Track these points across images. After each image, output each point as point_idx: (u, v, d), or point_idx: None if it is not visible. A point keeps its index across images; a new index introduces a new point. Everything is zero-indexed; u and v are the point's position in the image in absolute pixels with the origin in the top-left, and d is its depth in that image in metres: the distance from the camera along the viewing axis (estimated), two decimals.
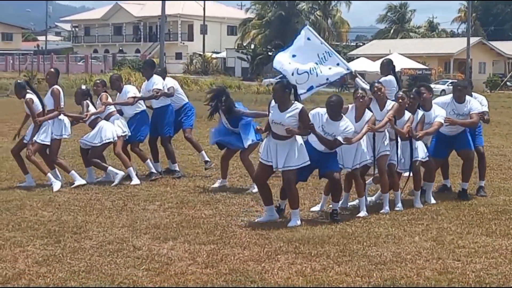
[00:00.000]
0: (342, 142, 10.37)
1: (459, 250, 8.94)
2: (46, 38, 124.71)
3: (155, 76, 14.15)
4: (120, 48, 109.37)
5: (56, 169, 13.29)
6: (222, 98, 12.64)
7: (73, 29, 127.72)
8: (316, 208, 11.14)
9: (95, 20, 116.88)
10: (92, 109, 13.54)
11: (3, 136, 21.20)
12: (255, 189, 11.62)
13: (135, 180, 13.31)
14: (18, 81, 13.73)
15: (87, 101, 13.62)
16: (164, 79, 14.27)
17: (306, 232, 9.70)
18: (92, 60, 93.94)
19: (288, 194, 10.40)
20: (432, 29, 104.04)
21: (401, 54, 67.20)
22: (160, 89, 13.91)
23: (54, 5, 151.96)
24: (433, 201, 11.82)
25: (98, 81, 14.24)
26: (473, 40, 72.72)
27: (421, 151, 11.58)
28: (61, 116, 13.00)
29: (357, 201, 11.23)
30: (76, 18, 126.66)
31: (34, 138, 12.77)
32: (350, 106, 11.05)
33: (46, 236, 9.42)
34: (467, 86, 12.50)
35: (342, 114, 10.57)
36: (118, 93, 14.02)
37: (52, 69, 13.63)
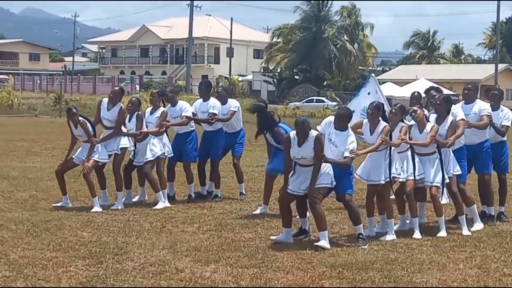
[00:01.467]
0: (351, 156, 10.32)
1: (505, 278, 8.82)
2: (73, 59, 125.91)
3: (212, 98, 14.06)
4: (147, 70, 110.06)
5: (107, 192, 13.34)
6: (259, 114, 12.52)
7: (100, 50, 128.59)
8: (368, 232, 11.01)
9: (122, 42, 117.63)
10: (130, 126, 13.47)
11: (36, 155, 21.29)
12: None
13: (163, 204, 13.26)
14: (70, 106, 13.80)
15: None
16: (226, 100, 14.19)
17: (348, 257, 9.61)
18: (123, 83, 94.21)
19: (314, 215, 10.33)
20: (457, 55, 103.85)
21: (428, 80, 66.97)
22: (215, 114, 13.81)
23: (81, 26, 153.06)
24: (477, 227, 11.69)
25: (154, 91, 14.16)
26: (501, 66, 72.55)
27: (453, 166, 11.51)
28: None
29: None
30: (103, 40, 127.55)
31: (92, 157, 12.83)
32: (365, 120, 11.15)
33: (88, 256, 9.39)
34: (477, 87, 12.55)
35: (348, 127, 10.59)
36: (171, 107, 13.93)
37: (117, 88, 13.68)
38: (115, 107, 13.22)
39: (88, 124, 12.93)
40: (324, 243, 10.10)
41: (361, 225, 10.62)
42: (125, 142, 13.23)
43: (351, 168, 10.62)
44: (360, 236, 10.49)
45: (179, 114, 13.73)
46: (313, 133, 10.24)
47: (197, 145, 14.10)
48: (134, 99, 13.73)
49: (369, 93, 14.06)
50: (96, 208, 12.65)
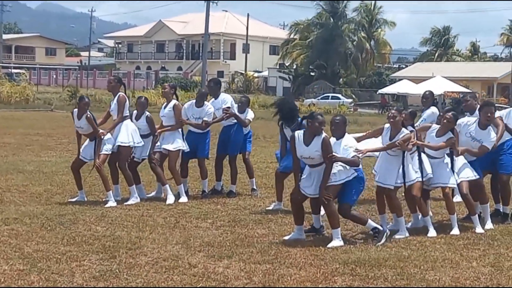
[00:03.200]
0: (359, 156, 10.31)
1: None
2: (89, 54, 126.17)
3: (222, 94, 14.16)
4: (163, 66, 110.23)
5: (119, 187, 13.38)
6: (283, 110, 12.48)
7: (116, 45, 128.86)
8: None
9: (138, 37, 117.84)
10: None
11: (51, 150, 21.40)
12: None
13: (184, 198, 13.34)
14: (84, 96, 13.87)
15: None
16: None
17: (361, 254, 9.60)
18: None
19: (327, 213, 10.33)
20: (475, 53, 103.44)
21: (444, 77, 66.80)
22: (229, 107, 13.90)
23: (97, 21, 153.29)
24: (488, 226, 11.65)
25: (166, 84, 14.22)
26: None
27: (466, 171, 11.46)
28: (129, 125, 13.15)
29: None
30: (119, 35, 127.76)
31: (101, 152, 12.87)
32: (386, 125, 11.04)
33: (101, 251, 9.43)
34: (475, 97, 12.66)
35: (345, 133, 10.43)
36: (214, 99, 14.07)
37: (112, 77, 13.72)
38: (115, 97, 13.26)
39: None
40: (336, 242, 10.09)
41: (368, 223, 10.54)
42: (127, 139, 13.13)
43: (357, 172, 10.42)
44: (375, 230, 10.45)
45: (220, 106, 13.87)
46: (321, 134, 10.19)
47: (209, 141, 14.18)
48: (141, 100, 13.71)
49: None
50: (111, 203, 12.69)
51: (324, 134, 10.15)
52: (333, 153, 10.04)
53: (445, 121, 11.23)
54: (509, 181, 12.36)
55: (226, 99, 14.04)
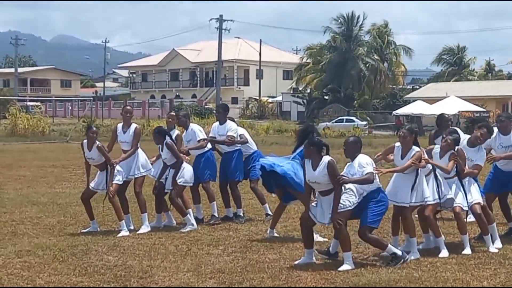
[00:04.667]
0: (374, 172, 10.29)
1: None
2: (104, 84, 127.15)
3: (229, 121, 14.29)
4: (177, 94, 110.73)
5: (130, 216, 13.45)
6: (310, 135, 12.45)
7: (131, 75, 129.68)
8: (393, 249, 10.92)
9: (152, 66, 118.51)
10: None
11: (66, 181, 21.52)
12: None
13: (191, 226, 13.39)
14: (91, 125, 14.00)
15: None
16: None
17: (372, 277, 9.61)
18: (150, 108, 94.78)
19: (339, 237, 10.35)
20: (489, 71, 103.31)
21: (458, 97, 66.71)
22: (234, 137, 14.05)
23: (111, 52, 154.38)
24: (497, 245, 11.63)
25: (172, 113, 14.40)
26: None
27: (476, 193, 11.47)
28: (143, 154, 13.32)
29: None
30: (133, 65, 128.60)
31: (114, 181, 12.94)
32: (397, 144, 11.11)
33: (113, 281, 9.49)
34: (510, 117, 12.47)
35: (359, 153, 10.46)
36: (185, 131, 14.13)
37: (128, 107, 13.84)
38: (130, 128, 13.36)
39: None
40: (347, 266, 10.08)
41: (388, 247, 10.47)
42: (145, 167, 13.34)
43: (383, 199, 10.48)
44: (393, 255, 10.38)
45: (191, 137, 13.98)
46: (326, 158, 10.19)
47: (214, 164, 14.30)
48: (156, 131, 13.61)
49: None
50: (123, 232, 12.75)
51: (329, 158, 10.18)
52: (341, 175, 10.08)
53: (444, 143, 11.32)
54: None
55: (232, 127, 14.18)
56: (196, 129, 14.12)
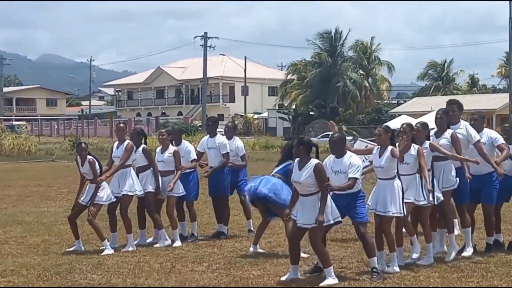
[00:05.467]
0: (360, 179, 10.38)
1: None
2: (89, 102, 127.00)
3: (219, 135, 14.36)
4: (163, 111, 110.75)
5: (116, 235, 13.45)
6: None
7: (116, 93, 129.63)
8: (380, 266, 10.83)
9: (138, 84, 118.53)
10: None
11: (51, 200, 21.49)
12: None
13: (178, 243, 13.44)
14: (81, 141, 14.04)
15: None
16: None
17: None
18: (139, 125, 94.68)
19: (316, 253, 10.29)
20: (473, 85, 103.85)
21: None
22: (228, 152, 14.20)
23: (97, 70, 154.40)
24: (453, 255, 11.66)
25: (163, 130, 14.41)
26: None
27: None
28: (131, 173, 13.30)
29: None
30: (119, 83, 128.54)
31: (97, 201, 12.95)
32: (376, 146, 11.13)
33: None
34: (483, 116, 12.70)
35: (346, 150, 10.54)
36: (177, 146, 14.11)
37: (121, 124, 13.87)
38: (123, 143, 13.40)
39: (97, 164, 13.03)
40: (330, 280, 10.05)
41: (375, 258, 10.52)
42: (131, 188, 13.31)
43: (363, 193, 10.57)
44: (374, 269, 10.42)
45: (184, 155, 13.95)
46: (314, 161, 10.14)
47: (198, 184, 14.32)
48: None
49: None
50: (107, 251, 12.76)
51: (316, 161, 10.13)
52: (328, 183, 10.05)
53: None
54: (492, 212, 12.36)
55: (224, 141, 14.25)
56: (191, 148, 14.16)
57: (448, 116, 12.09)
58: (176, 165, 13.64)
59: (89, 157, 12.94)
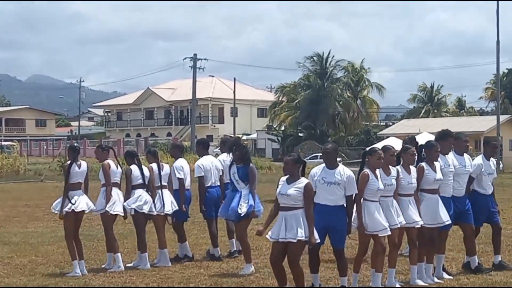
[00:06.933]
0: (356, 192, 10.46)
1: None
2: (79, 123, 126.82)
3: (207, 156, 14.45)
4: (152, 132, 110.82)
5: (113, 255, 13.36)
6: (236, 148, 12.92)
7: (106, 114, 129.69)
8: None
9: (127, 105, 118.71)
10: None
11: (39, 220, 21.51)
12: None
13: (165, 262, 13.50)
14: (74, 144, 14.13)
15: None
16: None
17: None
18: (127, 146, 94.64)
19: (292, 272, 10.12)
20: (460, 108, 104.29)
21: (431, 133, 67.15)
22: (220, 175, 14.37)
23: (86, 91, 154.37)
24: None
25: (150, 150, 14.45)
26: (503, 118, 72.79)
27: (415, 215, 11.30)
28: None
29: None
30: (108, 104, 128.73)
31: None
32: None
33: None
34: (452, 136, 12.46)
35: (339, 163, 10.62)
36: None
37: (99, 149, 13.91)
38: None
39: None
40: None
41: (345, 278, 10.63)
42: (100, 206, 13.20)
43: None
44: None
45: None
46: (305, 180, 10.13)
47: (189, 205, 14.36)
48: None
49: None
50: (73, 273, 12.60)
51: (307, 181, 10.14)
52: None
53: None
54: (473, 232, 12.43)
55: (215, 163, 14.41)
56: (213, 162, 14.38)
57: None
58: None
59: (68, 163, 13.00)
